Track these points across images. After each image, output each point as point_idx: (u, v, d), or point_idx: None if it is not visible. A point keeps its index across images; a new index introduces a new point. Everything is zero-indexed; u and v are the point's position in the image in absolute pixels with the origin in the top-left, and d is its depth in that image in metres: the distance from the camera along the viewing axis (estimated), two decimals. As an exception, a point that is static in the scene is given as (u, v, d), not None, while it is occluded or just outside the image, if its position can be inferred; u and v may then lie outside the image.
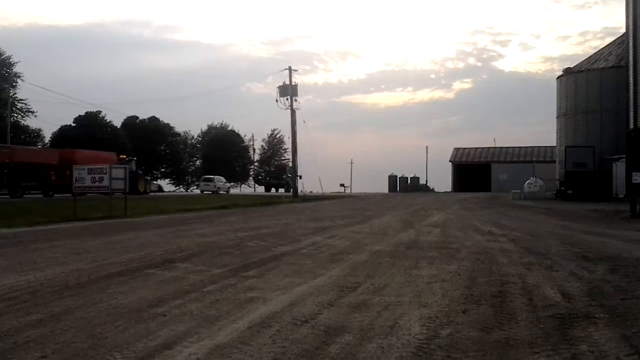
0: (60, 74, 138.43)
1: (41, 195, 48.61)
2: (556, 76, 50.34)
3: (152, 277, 8.91)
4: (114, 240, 14.43)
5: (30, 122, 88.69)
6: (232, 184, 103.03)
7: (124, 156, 66.06)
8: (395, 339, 5.45)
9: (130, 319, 6.23)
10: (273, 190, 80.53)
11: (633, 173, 23.75)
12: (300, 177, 74.30)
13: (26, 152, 53.25)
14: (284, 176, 76.40)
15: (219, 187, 76.66)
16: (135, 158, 70.41)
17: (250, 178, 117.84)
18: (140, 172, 70.21)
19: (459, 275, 9.07)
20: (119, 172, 25.35)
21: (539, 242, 13.97)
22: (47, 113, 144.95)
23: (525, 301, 7.10)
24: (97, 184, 24.78)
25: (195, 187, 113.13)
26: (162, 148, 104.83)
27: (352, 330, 5.72)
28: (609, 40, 57.48)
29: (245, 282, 8.40)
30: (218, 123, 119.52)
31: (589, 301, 7.07)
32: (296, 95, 58.09)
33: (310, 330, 5.75)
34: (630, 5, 39.60)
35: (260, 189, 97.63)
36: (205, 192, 74.82)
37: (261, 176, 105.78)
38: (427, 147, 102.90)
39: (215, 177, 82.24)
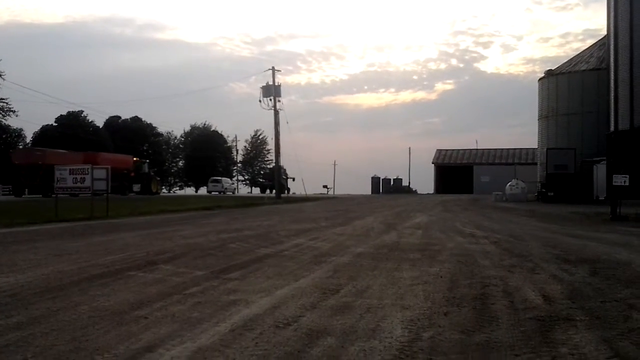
0: (42, 73, 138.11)
1: (68, 195, 50.99)
2: (538, 78, 50.71)
3: (134, 279, 8.88)
4: (95, 242, 14.37)
5: (12, 121, 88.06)
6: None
7: (138, 159, 70.05)
8: (377, 341, 5.47)
9: (112, 321, 6.20)
10: (268, 191, 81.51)
11: (614, 175, 23.98)
12: (294, 180, 75.37)
13: (55, 155, 55.41)
14: None
15: (225, 188, 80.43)
16: (147, 160, 73.89)
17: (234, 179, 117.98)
18: (153, 173, 73.13)
19: (441, 277, 9.10)
20: (100, 173, 25.12)
21: (521, 244, 14.05)
22: (29, 112, 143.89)
23: (506, 303, 7.14)
24: (78, 184, 24.60)
25: (177, 187, 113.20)
26: (145, 148, 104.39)
27: (335, 333, 5.73)
28: (590, 42, 58.02)
29: (227, 285, 8.38)
30: (201, 123, 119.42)
31: (570, 304, 7.12)
32: (279, 95, 58.20)
33: (292, 333, 5.76)
34: (612, 8, 39.93)
35: (244, 190, 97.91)
36: (213, 192, 78.42)
37: (260, 178, 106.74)
38: (409, 148, 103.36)
39: (223, 178, 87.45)
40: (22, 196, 51.09)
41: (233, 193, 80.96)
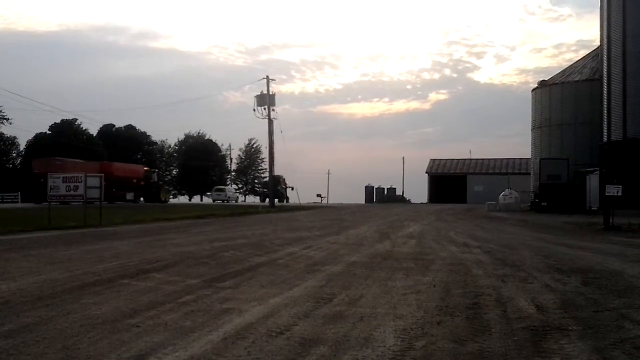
0: (36, 81, 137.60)
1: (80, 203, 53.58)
2: (531, 88, 50.85)
3: (126, 287, 8.85)
4: (88, 250, 14.32)
5: (5, 129, 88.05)
6: (209, 193, 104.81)
7: (147, 168, 73.79)
8: (370, 350, 5.46)
9: (104, 330, 6.18)
10: (267, 200, 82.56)
11: (606, 185, 24.04)
12: (292, 189, 76.05)
13: (74, 165, 57.18)
14: (278, 187, 77.53)
15: (229, 197, 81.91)
16: (157, 170, 77.18)
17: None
18: (161, 183, 76.18)
19: (434, 286, 9.11)
20: (94, 181, 25.04)
21: (514, 254, 14.07)
22: (22, 120, 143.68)
23: (499, 313, 7.15)
24: (72, 192, 24.52)
25: (171, 196, 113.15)
26: (139, 157, 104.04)
27: (327, 342, 5.72)
28: (583, 53, 58.29)
29: (220, 293, 8.37)
30: (195, 132, 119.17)
31: (562, 313, 7.13)
32: (274, 104, 58.26)
33: (285, 341, 5.75)
34: (605, 19, 40.12)
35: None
36: (217, 201, 79.38)
37: (258, 187, 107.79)
38: (403, 158, 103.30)
39: (226, 187, 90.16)
40: (42, 203, 52.23)
41: (236, 202, 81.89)
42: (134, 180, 67.09)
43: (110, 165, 63.23)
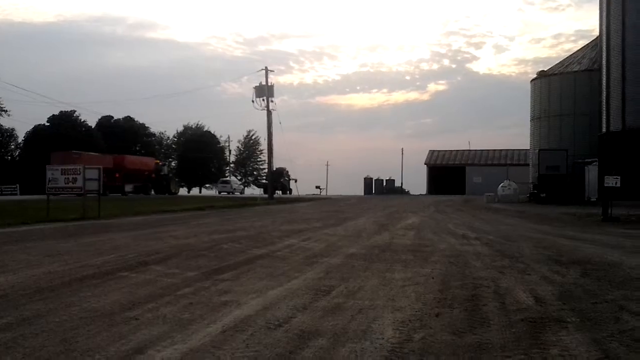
0: (34, 72, 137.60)
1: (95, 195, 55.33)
2: (530, 79, 50.79)
3: (125, 280, 8.85)
4: (87, 243, 14.32)
5: (3, 121, 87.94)
6: (208, 185, 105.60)
7: (158, 161, 76.82)
8: (368, 342, 5.47)
9: (103, 322, 6.18)
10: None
11: (605, 176, 24.04)
12: (296, 181, 76.78)
13: (90, 158, 58.72)
14: (281, 179, 78.06)
15: (234, 189, 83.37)
16: (166, 163, 79.26)
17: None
18: (171, 175, 78.02)
19: (433, 278, 9.11)
20: (92, 173, 25.00)
21: (512, 245, 14.07)
22: (20, 112, 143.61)
23: (497, 305, 7.15)
24: (70, 184, 24.48)
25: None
26: (137, 148, 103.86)
27: (326, 335, 5.72)
28: (582, 43, 58.22)
29: (219, 286, 8.37)
30: (194, 123, 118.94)
31: (561, 305, 7.14)
32: (272, 96, 58.22)
33: (283, 334, 5.75)
34: (604, 9, 39.99)
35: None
36: (222, 192, 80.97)
37: (261, 178, 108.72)
38: (402, 149, 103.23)
39: (231, 179, 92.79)
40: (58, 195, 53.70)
41: (241, 193, 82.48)
42: (146, 173, 68.78)
43: (123, 158, 65.92)
